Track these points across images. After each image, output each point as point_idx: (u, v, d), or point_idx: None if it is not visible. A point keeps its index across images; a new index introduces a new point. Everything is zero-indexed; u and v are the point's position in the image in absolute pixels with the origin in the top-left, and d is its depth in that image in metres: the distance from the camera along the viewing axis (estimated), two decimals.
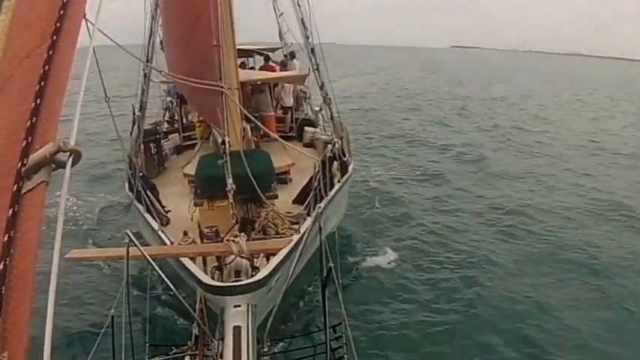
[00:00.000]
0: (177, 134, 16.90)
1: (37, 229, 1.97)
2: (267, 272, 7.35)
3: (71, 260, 8.20)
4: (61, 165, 2.17)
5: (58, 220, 2.32)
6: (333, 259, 7.50)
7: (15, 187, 1.99)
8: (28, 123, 2.19)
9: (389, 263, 13.46)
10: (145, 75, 13.41)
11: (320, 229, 8.08)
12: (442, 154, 27.18)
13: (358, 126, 32.25)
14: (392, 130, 33.21)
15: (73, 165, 2.21)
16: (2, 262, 1.82)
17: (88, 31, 3.50)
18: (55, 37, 2.54)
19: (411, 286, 12.42)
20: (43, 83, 2.35)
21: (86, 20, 3.15)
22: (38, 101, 2.28)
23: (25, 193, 2.01)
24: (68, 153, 2.18)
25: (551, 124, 38.34)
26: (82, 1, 2.83)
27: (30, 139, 2.15)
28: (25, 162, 2.07)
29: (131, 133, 13.61)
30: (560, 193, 20.42)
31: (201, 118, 15.41)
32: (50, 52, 2.48)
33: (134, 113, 13.61)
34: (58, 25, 2.59)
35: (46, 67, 2.41)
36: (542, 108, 47.28)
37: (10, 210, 1.92)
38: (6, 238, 1.85)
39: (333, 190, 10.96)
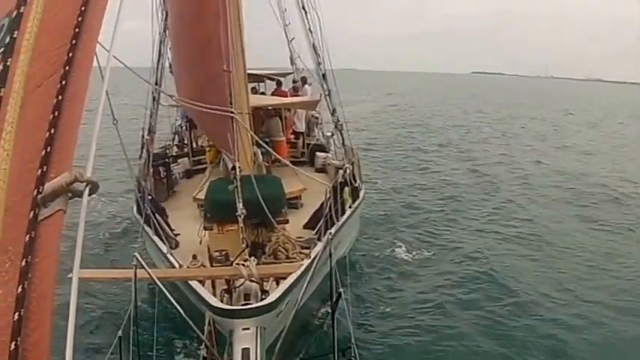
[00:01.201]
0: (186, 158, 16.91)
1: (55, 255, 2.06)
2: (277, 296, 7.26)
3: (80, 280, 8.12)
4: (78, 194, 2.21)
5: (75, 251, 2.31)
6: (343, 284, 7.44)
7: (31, 214, 2.07)
8: (43, 152, 2.24)
9: (400, 286, 13.38)
10: (154, 98, 13.43)
11: (330, 254, 8.01)
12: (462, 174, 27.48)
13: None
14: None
15: (89, 195, 2.26)
16: (21, 286, 1.92)
17: (97, 56, 3.49)
18: (67, 67, 2.57)
19: (422, 311, 12.26)
20: (57, 113, 2.40)
21: (99, 44, 3.17)
22: (52, 131, 2.33)
23: (42, 220, 2.08)
24: (85, 183, 2.23)
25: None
26: (95, 31, 2.85)
27: (45, 167, 2.20)
28: (40, 190, 2.13)
29: (140, 156, 13.60)
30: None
31: (211, 143, 15.39)
32: (63, 82, 2.51)
33: (143, 137, 13.60)
34: (71, 54, 2.62)
35: (60, 97, 2.46)
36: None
37: (27, 236, 2.02)
38: (24, 263, 1.97)
39: (345, 216, 10.88)
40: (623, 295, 13.08)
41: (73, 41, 2.68)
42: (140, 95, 14.90)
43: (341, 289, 7.62)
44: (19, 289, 1.90)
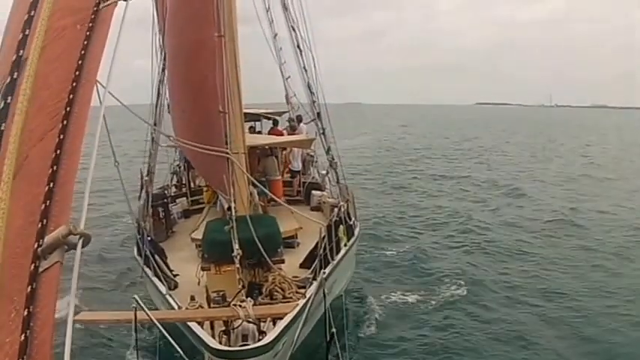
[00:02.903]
0: (185, 198, 17.02)
1: (54, 304, 2.11)
2: (273, 336, 7.38)
3: (80, 322, 8.24)
4: (73, 246, 2.30)
5: (70, 302, 2.38)
6: (340, 322, 7.48)
7: (32, 267, 2.15)
8: (43, 206, 2.33)
9: (396, 322, 13.32)
10: (153, 139, 13.59)
11: (324, 295, 8.09)
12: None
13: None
14: None
15: (83, 247, 2.33)
16: (24, 334, 1.99)
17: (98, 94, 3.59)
18: (65, 122, 2.68)
19: (417, 348, 12.20)
20: (55, 167, 2.49)
21: (97, 83, 3.26)
22: (51, 184, 2.42)
23: (42, 271, 2.16)
24: (78, 236, 2.30)
25: None
26: (90, 86, 2.96)
27: (45, 221, 2.29)
28: (40, 243, 2.21)
29: (139, 197, 13.71)
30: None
31: (208, 183, 15.52)
32: (61, 137, 2.62)
33: (142, 178, 13.73)
34: (68, 109, 2.74)
35: (58, 151, 2.56)
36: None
37: (29, 287, 2.09)
38: (26, 313, 2.04)
39: (339, 255, 10.96)
40: None
41: (71, 95, 2.79)
42: (141, 133, 15.01)
43: (334, 330, 7.68)
44: (22, 337, 1.98)
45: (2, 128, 2.59)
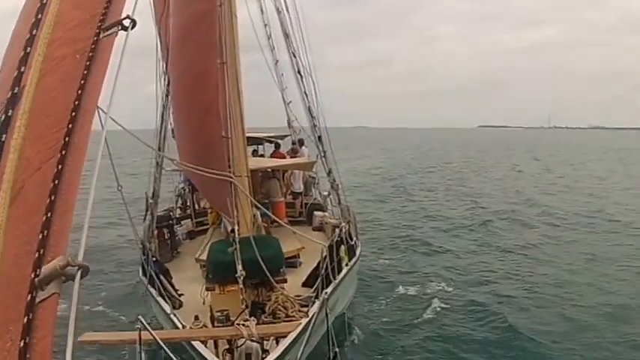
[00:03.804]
0: (189, 220, 17.29)
1: (51, 336, 2.11)
2: (276, 355, 7.50)
3: (84, 343, 8.40)
4: (71, 278, 2.29)
5: (69, 331, 2.33)
6: (342, 341, 7.57)
7: (29, 297, 2.15)
8: (40, 235, 2.33)
9: (399, 340, 13.26)
10: (158, 163, 13.87)
11: (327, 314, 8.28)
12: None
13: None
14: None
15: (81, 278, 2.33)
16: None
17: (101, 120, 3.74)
18: (63, 152, 2.69)
19: None
20: (53, 197, 2.50)
21: (99, 109, 3.32)
22: (49, 214, 2.43)
23: (39, 302, 2.16)
24: (76, 267, 2.31)
25: None
26: (90, 116, 2.96)
27: (42, 251, 2.29)
28: (38, 273, 2.21)
29: (144, 219, 13.97)
30: None
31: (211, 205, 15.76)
32: (59, 167, 2.63)
33: (147, 200, 14.02)
34: (67, 139, 2.75)
35: (56, 182, 2.57)
36: None
37: (26, 317, 2.09)
38: (22, 344, 2.02)
39: (341, 274, 11.12)
40: None
41: (70, 125, 2.79)
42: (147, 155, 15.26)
43: (336, 349, 7.85)
44: None
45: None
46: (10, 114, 2.73)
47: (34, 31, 3.10)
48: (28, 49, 3.01)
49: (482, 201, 36.08)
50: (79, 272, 2.31)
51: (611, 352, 12.28)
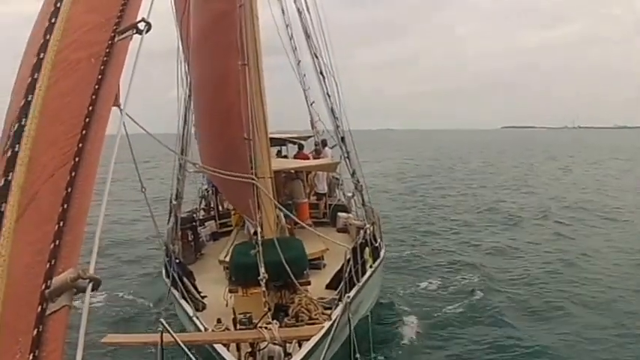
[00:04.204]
0: (213, 221, 17.32)
1: (60, 350, 2.05)
2: (298, 359, 7.44)
3: (107, 344, 8.45)
4: (81, 290, 2.23)
5: (78, 344, 2.27)
6: (365, 344, 7.51)
7: (39, 308, 2.09)
8: (52, 245, 2.27)
9: (423, 345, 13.07)
10: (181, 166, 13.90)
11: (349, 319, 8.18)
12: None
13: None
14: None
15: (92, 291, 2.26)
16: None
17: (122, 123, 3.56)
18: (77, 159, 2.62)
19: None
20: (65, 205, 2.43)
21: (120, 110, 3.27)
22: (62, 224, 2.36)
23: (49, 314, 2.10)
24: (88, 280, 2.23)
25: None
26: (104, 121, 2.91)
27: (54, 261, 2.23)
28: (48, 284, 2.15)
29: (168, 221, 14.00)
30: None
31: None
32: (73, 174, 2.56)
33: (171, 202, 14.05)
34: (81, 145, 2.69)
35: (69, 189, 2.50)
36: None
37: (35, 330, 2.03)
38: (31, 357, 1.96)
39: (365, 277, 11.05)
40: None
41: (84, 131, 2.73)
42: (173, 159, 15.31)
43: (358, 355, 7.76)
44: None
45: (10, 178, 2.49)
46: (23, 122, 2.66)
47: (48, 36, 3.03)
48: (42, 54, 2.94)
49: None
50: (90, 285, 2.24)
51: None
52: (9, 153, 2.55)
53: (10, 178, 2.44)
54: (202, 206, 19.12)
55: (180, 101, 14.26)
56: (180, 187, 14.18)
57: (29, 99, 2.75)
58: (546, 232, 26.20)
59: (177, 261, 11.31)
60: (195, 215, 16.78)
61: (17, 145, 2.57)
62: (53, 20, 3.12)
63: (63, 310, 2.14)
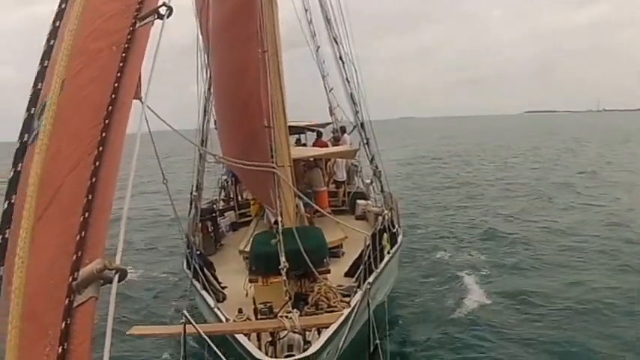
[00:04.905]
0: (232, 212, 17.38)
1: (89, 342, 2.04)
2: (318, 347, 7.44)
3: (133, 335, 8.58)
4: (108, 281, 2.21)
5: (105, 339, 2.23)
6: (382, 331, 7.52)
7: (67, 301, 2.08)
8: (78, 237, 2.26)
9: (442, 332, 12.93)
10: (201, 156, 13.95)
11: (368, 304, 8.18)
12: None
13: None
14: None
15: (119, 281, 2.25)
16: None
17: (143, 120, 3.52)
18: (100, 149, 2.59)
19: (467, 357, 11.89)
20: (90, 196, 2.41)
21: (142, 104, 3.23)
22: (87, 214, 2.35)
23: (77, 306, 2.09)
24: (114, 271, 2.22)
25: None
26: (127, 110, 2.87)
27: (80, 253, 2.22)
28: (75, 276, 2.15)
29: (189, 213, 14.07)
30: None
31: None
32: (97, 164, 2.53)
33: (191, 193, 14.12)
34: (104, 134, 2.66)
35: (93, 179, 2.48)
36: None
37: (64, 322, 2.03)
38: (60, 350, 1.95)
39: (383, 263, 11.06)
40: None
41: (106, 120, 2.71)
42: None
43: (377, 341, 7.75)
44: None
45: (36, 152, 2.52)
46: (45, 114, 2.67)
47: (68, 27, 3.04)
48: (62, 45, 2.94)
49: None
50: (117, 276, 2.22)
51: None
52: (31, 146, 2.56)
53: (32, 171, 2.45)
54: (222, 196, 19.20)
55: (200, 93, 14.30)
56: (201, 178, 14.24)
57: (50, 91, 2.76)
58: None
59: (198, 252, 11.36)
60: (214, 206, 16.92)
61: (39, 138, 2.58)
62: (72, 11, 3.13)
63: (90, 302, 2.13)
